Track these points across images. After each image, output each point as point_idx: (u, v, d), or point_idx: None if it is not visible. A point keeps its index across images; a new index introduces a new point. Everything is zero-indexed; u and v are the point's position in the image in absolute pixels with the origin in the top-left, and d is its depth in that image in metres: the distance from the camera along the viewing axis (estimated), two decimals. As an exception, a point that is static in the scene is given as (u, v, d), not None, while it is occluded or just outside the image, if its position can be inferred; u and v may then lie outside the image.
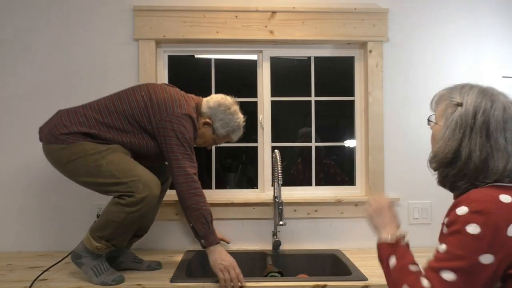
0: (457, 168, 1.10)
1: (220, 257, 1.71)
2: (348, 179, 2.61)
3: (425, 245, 2.37)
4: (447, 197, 1.19)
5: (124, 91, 1.88)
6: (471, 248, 0.98)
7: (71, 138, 1.73)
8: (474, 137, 1.07)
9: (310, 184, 2.52)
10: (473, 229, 0.99)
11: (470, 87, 1.14)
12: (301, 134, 2.62)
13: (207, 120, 1.95)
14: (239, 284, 1.68)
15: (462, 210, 1.02)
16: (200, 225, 1.71)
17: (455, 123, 1.10)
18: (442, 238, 1.10)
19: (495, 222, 0.98)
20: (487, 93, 1.11)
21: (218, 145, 2.15)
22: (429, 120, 1.22)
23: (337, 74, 2.65)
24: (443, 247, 1.04)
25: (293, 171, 2.70)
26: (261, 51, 2.46)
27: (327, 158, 2.65)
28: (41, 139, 1.83)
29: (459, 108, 1.10)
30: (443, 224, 1.11)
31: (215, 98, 1.99)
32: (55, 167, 1.82)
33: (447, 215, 1.09)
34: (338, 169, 2.67)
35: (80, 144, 1.72)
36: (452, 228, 1.03)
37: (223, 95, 2.01)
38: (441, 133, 1.13)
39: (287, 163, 2.75)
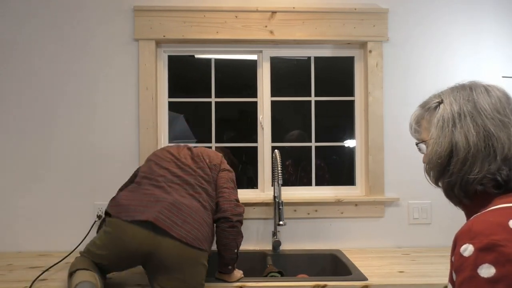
0: (460, 160, 0.98)
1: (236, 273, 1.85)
2: (324, 178, 2.64)
3: (425, 245, 2.39)
4: (447, 197, 1.12)
5: (186, 162, 1.91)
6: None
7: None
8: (465, 122, 0.99)
9: (306, 185, 2.53)
10: (485, 271, 0.82)
11: (442, 90, 1.09)
12: (288, 140, 2.62)
13: None
14: None
15: (467, 249, 0.85)
16: (230, 260, 1.79)
17: (442, 120, 1.03)
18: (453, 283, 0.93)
19: (509, 255, 0.81)
20: (461, 86, 1.07)
21: None
22: (419, 145, 1.13)
23: (337, 74, 2.65)
24: None
25: (284, 174, 2.70)
26: (261, 51, 2.46)
27: (317, 159, 2.63)
28: (177, 234, 1.65)
29: (441, 105, 1.05)
30: (451, 262, 0.94)
31: None
32: (171, 265, 1.64)
33: (452, 252, 0.93)
34: (326, 167, 2.67)
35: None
36: (462, 275, 0.85)
37: None
38: (431, 140, 1.05)
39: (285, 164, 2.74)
